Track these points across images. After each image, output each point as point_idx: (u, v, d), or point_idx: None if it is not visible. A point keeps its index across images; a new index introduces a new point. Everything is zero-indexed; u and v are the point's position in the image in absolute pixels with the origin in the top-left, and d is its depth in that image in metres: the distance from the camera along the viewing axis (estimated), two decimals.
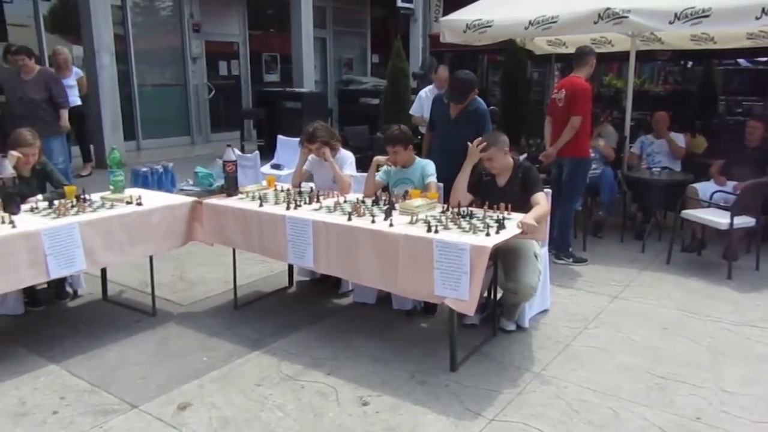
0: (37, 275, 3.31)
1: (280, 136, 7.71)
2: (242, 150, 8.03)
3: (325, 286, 4.52)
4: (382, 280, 3.39)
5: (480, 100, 4.77)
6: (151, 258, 4.00)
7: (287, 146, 7.47)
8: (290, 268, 4.58)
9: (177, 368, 3.31)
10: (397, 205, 3.70)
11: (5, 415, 2.85)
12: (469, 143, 3.76)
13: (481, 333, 3.73)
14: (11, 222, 3.30)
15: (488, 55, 13.03)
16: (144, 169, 7.16)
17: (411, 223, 3.40)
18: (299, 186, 4.37)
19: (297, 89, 11.17)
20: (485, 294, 3.71)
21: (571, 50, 8.00)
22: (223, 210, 3.95)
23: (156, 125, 11.25)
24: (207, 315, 4.06)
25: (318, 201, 3.92)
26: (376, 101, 10.75)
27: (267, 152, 7.98)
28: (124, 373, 3.25)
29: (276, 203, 3.91)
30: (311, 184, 4.43)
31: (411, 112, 6.79)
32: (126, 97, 10.20)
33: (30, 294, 4.03)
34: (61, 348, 3.51)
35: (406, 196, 3.93)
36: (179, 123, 11.76)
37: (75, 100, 7.99)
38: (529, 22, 5.90)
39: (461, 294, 3.05)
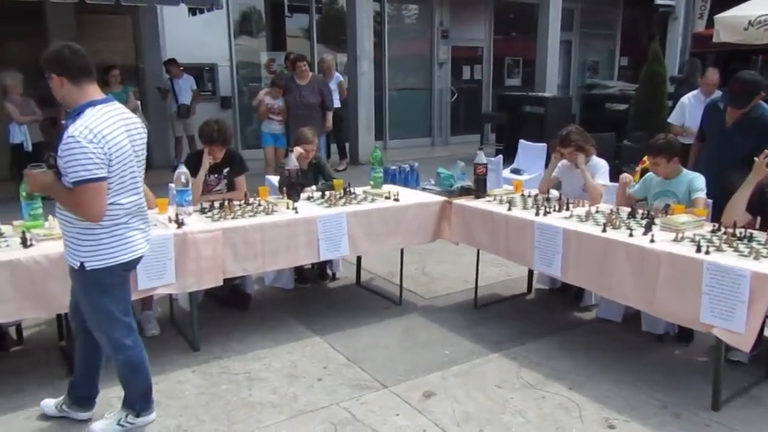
0: (310, 256, 3.78)
1: (522, 141, 7.64)
2: None
3: (566, 297, 4.38)
4: (637, 298, 3.18)
5: (766, 106, 4.18)
6: (401, 251, 4.28)
7: (529, 151, 7.41)
8: (530, 274, 4.53)
9: (422, 357, 3.50)
10: (657, 220, 3.43)
11: (282, 374, 3.31)
12: (755, 158, 3.32)
13: (749, 373, 3.28)
14: (294, 208, 3.81)
15: (764, 55, 11.32)
16: (393, 167, 7.71)
17: (675, 240, 3.12)
18: (547, 192, 4.29)
19: (541, 93, 10.99)
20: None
21: None
22: (471, 211, 4.06)
23: (401, 127, 12.03)
24: (448, 310, 4.22)
25: (568, 209, 3.81)
26: (623, 107, 10.08)
27: (505, 156, 7.99)
28: (376, 354, 3.55)
29: (524, 208, 3.90)
30: (555, 192, 4.31)
31: (670, 120, 6.22)
32: (377, 100, 11.05)
33: (299, 272, 4.61)
34: (323, 323, 3.96)
35: (667, 210, 3.62)
36: (422, 125, 12.41)
37: (335, 102, 8.92)
38: None
39: (735, 326, 2.72)
